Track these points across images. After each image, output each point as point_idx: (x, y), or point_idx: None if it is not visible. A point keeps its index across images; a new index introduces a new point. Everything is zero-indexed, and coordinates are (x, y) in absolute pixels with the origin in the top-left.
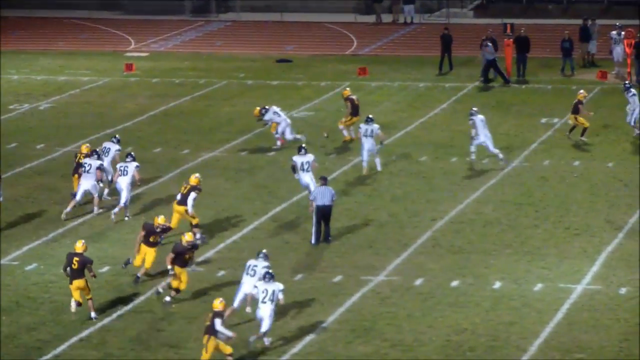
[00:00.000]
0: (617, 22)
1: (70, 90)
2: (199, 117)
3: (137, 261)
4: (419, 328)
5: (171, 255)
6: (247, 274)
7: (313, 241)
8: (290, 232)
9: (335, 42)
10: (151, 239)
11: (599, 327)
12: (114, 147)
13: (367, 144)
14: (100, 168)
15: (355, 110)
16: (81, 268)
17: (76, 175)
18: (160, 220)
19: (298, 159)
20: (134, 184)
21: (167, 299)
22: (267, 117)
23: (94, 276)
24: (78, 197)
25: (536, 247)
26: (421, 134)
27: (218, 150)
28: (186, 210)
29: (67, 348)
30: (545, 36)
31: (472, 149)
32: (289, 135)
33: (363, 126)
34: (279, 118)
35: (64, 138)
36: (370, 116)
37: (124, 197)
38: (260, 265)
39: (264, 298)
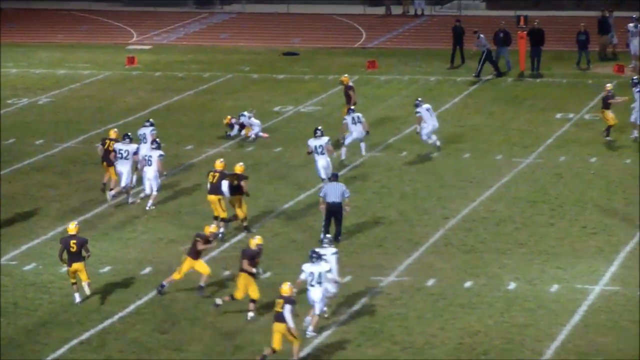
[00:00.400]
0: (634, 14)
1: (69, 84)
2: (203, 111)
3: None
4: (430, 330)
5: (245, 261)
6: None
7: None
8: (297, 231)
9: (343, 35)
10: (200, 248)
11: (617, 329)
12: (149, 131)
13: (356, 132)
14: (137, 153)
15: (348, 100)
16: (79, 250)
17: (105, 163)
18: (212, 228)
19: (312, 142)
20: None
21: (219, 301)
22: (241, 120)
23: (89, 255)
24: (123, 182)
25: (551, 246)
26: None
27: (222, 146)
28: (220, 200)
29: (67, 351)
30: (559, 28)
31: (425, 137)
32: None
33: (348, 117)
34: (252, 121)
35: (63, 133)
36: (352, 107)
37: (154, 186)
38: (329, 252)
39: (312, 281)
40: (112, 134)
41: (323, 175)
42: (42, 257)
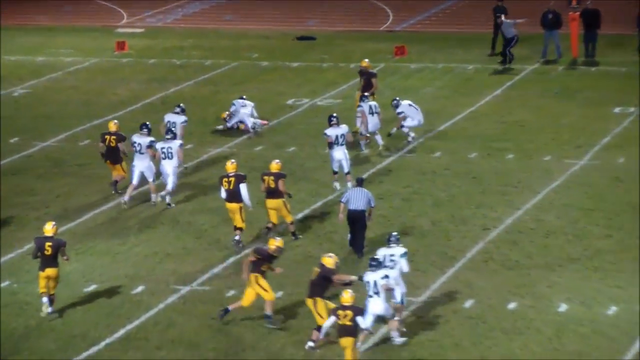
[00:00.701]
0: None
1: (50, 73)
2: (205, 105)
3: (246, 299)
4: (468, 359)
5: (259, 262)
6: (386, 266)
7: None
8: (314, 243)
9: (366, 16)
10: (263, 268)
11: None
12: (180, 119)
13: (372, 124)
14: (151, 146)
15: (363, 88)
16: (55, 254)
17: (109, 161)
18: (278, 242)
19: (332, 131)
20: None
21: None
22: (234, 115)
23: (67, 259)
24: (135, 181)
25: (608, 261)
26: (469, 125)
27: (227, 145)
28: (241, 208)
29: None
30: (617, 9)
31: (406, 130)
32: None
33: (364, 104)
34: (239, 111)
35: (42, 130)
36: (367, 94)
37: (170, 182)
38: (397, 252)
39: (370, 291)
40: (112, 126)
41: (335, 168)
42: (18, 274)
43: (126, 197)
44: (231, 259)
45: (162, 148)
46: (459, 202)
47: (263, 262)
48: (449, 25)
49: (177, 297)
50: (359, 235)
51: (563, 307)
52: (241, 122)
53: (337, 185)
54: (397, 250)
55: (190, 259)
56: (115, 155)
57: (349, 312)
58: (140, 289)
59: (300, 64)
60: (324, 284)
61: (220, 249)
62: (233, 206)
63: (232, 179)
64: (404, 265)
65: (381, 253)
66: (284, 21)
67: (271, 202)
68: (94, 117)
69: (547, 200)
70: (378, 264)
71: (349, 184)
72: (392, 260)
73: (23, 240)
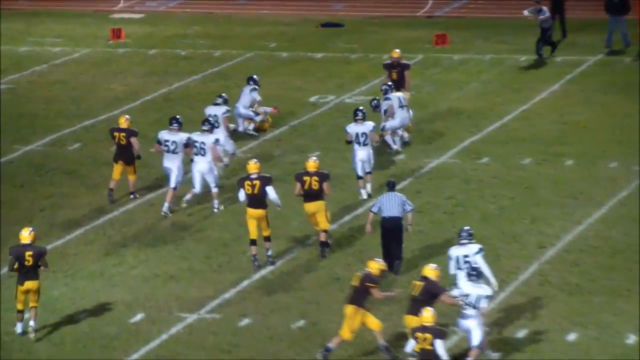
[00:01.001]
0: None
1: (34, 65)
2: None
3: (345, 331)
4: None
5: (363, 289)
6: (460, 268)
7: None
8: (340, 264)
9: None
10: (377, 296)
11: None
12: (221, 111)
13: (400, 118)
14: (188, 144)
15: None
16: (36, 264)
17: (120, 162)
18: (380, 264)
19: (353, 128)
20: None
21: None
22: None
23: (47, 271)
24: (173, 182)
25: None
26: (522, 126)
27: (240, 150)
28: (267, 215)
29: None
30: None
31: (390, 139)
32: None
33: (393, 96)
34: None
35: (25, 132)
36: (389, 83)
37: (210, 181)
38: (471, 250)
39: (465, 305)
40: (123, 122)
41: (360, 172)
42: None
43: (187, 197)
44: (245, 282)
45: (197, 143)
46: (510, 216)
47: (368, 288)
48: (497, 10)
49: (182, 326)
50: (395, 247)
51: (632, 339)
52: (249, 118)
53: (363, 192)
54: (471, 248)
55: (197, 281)
56: (128, 154)
57: (428, 336)
58: (139, 317)
59: (325, 55)
60: (429, 301)
61: (232, 270)
62: (257, 213)
63: (257, 182)
64: (481, 263)
65: (453, 253)
66: (307, 5)
67: (312, 206)
68: (85, 116)
69: (612, 213)
70: (477, 274)
71: (369, 186)
72: (466, 262)
73: (3, 261)
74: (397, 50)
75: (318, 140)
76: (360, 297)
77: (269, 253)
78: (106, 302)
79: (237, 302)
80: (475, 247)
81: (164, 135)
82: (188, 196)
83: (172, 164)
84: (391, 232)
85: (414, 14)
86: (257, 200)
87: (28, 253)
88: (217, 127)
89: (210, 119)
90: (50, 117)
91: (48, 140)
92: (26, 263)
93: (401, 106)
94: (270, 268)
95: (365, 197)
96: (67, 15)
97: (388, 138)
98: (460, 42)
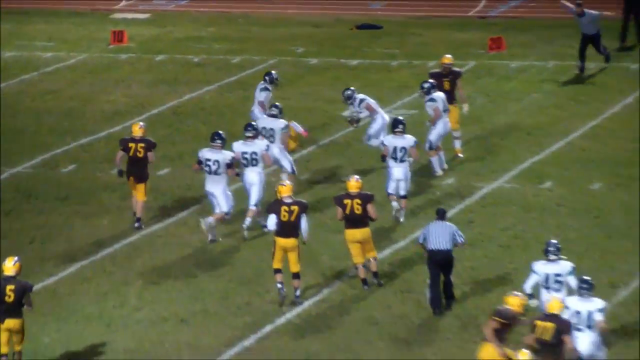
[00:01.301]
0: None
1: (23, 73)
2: (231, 116)
3: None
4: None
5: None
6: (548, 288)
7: (430, 306)
8: (378, 305)
9: None
10: (506, 335)
11: None
12: (278, 126)
13: (443, 124)
14: (231, 164)
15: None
16: (19, 300)
17: (132, 178)
18: (521, 297)
19: (392, 142)
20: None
21: None
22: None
23: (30, 308)
24: (225, 207)
25: None
26: (591, 145)
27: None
28: (297, 246)
29: None
30: None
31: (436, 161)
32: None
33: (437, 97)
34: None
35: (11, 151)
36: (432, 81)
37: (254, 196)
38: (564, 268)
39: (578, 324)
40: (138, 129)
41: (392, 191)
42: None
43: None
44: (267, 327)
45: (245, 153)
46: (577, 249)
47: (507, 327)
48: (562, 10)
49: None
50: (446, 282)
51: None
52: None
53: (396, 205)
54: (564, 265)
55: (212, 326)
56: (142, 170)
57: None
58: None
59: (361, 62)
60: (561, 344)
61: (252, 312)
62: (290, 242)
63: (295, 208)
64: (573, 285)
65: (540, 270)
66: (339, 3)
67: (357, 233)
68: (81, 133)
69: None
70: (589, 287)
71: (402, 212)
72: (557, 282)
73: None
74: (449, 56)
75: (352, 161)
76: (500, 336)
77: (297, 293)
78: (106, 350)
79: (258, 350)
80: (568, 265)
81: (205, 153)
82: (248, 220)
83: (215, 188)
84: (441, 266)
85: (465, 14)
86: (291, 228)
87: (10, 287)
88: (273, 142)
89: (263, 132)
90: (41, 133)
91: (38, 160)
92: (7, 299)
93: (445, 110)
94: (297, 310)
95: (401, 220)
96: (61, 15)
97: (434, 160)
98: (518, 47)
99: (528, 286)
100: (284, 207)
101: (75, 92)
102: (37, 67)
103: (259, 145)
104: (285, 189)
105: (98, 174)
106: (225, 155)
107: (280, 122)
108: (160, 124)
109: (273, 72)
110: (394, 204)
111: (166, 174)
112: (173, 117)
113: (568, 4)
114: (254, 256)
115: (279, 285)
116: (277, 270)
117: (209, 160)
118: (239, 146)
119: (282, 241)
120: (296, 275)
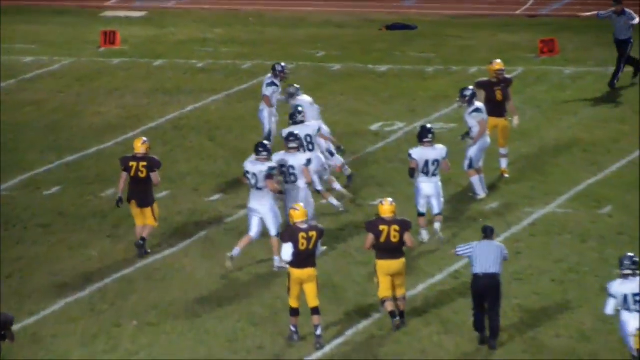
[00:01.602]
0: None
1: (2, 80)
2: (241, 131)
3: None
4: None
5: None
6: (628, 309)
7: (477, 333)
8: (412, 348)
9: None
10: None
11: None
12: (313, 130)
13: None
14: (270, 175)
15: (495, 107)
16: (1, 334)
17: (135, 202)
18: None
19: (422, 153)
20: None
21: None
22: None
23: (12, 342)
24: (273, 231)
25: None
26: None
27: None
28: (316, 277)
29: None
30: None
31: (477, 180)
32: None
33: (481, 106)
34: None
35: None
36: (472, 88)
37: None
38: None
39: (630, 304)
40: (140, 145)
41: (422, 209)
42: None
43: (237, 251)
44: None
45: (284, 164)
46: None
47: None
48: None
49: None
50: (492, 311)
51: None
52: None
53: (424, 233)
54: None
55: None
56: (145, 192)
57: None
58: None
59: (391, 68)
60: None
61: (265, 357)
62: (306, 274)
63: (314, 235)
64: None
65: (618, 291)
66: (367, 1)
67: (393, 265)
68: (66, 150)
69: None
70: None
71: (438, 225)
72: (637, 302)
73: None
74: (500, 61)
75: (382, 182)
76: None
77: (318, 332)
78: None
79: None
80: None
81: (247, 165)
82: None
83: (259, 205)
84: (487, 292)
85: (512, 13)
86: (308, 257)
87: None
88: (315, 150)
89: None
90: (20, 150)
91: (17, 181)
92: None
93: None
94: (317, 354)
95: (425, 239)
96: (44, 13)
97: (475, 180)
98: (573, 51)
99: (609, 309)
100: (302, 234)
101: (60, 102)
102: (15, 74)
103: (299, 158)
104: (299, 214)
105: (86, 197)
106: (261, 168)
107: (315, 126)
108: (159, 140)
109: (282, 63)
110: (423, 231)
111: (165, 197)
112: (173, 131)
113: (587, 14)
114: (267, 292)
115: (292, 329)
116: (294, 312)
117: (247, 172)
118: (280, 156)
119: (297, 272)
120: (315, 311)
